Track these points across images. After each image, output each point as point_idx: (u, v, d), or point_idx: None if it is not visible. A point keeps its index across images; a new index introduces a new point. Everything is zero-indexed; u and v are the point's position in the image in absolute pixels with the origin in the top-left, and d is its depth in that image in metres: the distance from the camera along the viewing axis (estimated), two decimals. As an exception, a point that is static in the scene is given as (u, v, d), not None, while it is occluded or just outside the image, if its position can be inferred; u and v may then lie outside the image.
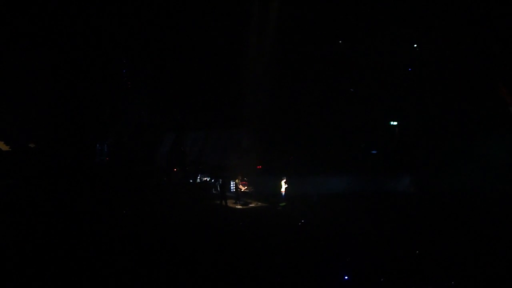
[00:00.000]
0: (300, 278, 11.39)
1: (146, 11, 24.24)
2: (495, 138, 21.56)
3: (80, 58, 24.34)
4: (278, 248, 13.76)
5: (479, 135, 22.17)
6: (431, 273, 11.56)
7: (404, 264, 12.16)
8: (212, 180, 23.46)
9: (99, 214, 17.49)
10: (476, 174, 21.00)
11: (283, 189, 21.49)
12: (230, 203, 21.20)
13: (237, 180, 22.17)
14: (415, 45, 24.41)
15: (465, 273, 11.49)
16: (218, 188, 21.97)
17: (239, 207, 21.18)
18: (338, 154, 23.88)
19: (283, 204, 20.99)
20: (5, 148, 23.24)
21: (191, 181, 24.13)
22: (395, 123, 25.12)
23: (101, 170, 24.89)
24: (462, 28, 22.03)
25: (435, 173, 22.86)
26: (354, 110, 24.53)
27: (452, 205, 19.45)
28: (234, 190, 22.32)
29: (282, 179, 21.52)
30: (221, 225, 17.26)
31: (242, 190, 22.04)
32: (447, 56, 22.93)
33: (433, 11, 22.63)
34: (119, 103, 26.04)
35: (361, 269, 11.90)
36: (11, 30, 23.10)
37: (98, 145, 26.23)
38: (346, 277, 11.39)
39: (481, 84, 22.47)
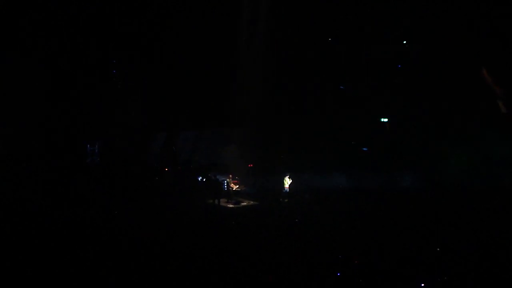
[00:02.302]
0: (292, 276, 11.43)
1: (136, 9, 24.20)
2: (487, 132, 21.74)
3: (70, 58, 24.19)
4: (271, 246, 13.84)
5: (470, 130, 22.37)
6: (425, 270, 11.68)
7: (397, 261, 12.29)
8: (204, 180, 23.43)
9: (92, 214, 17.49)
10: (468, 170, 21.24)
11: (287, 185, 21.75)
12: (222, 202, 21.22)
13: (228, 179, 22.19)
14: (404, 42, 24.58)
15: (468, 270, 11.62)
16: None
17: (231, 206, 21.20)
18: (329, 151, 23.96)
19: (286, 200, 21.39)
20: None
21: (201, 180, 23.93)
22: (386, 119, 25.20)
23: (93, 171, 24.84)
24: (450, 24, 22.21)
25: (428, 169, 23.05)
26: (344, 108, 24.60)
27: (447, 200, 19.67)
28: (226, 189, 22.34)
29: (286, 176, 21.82)
30: (214, 223, 17.31)
31: (234, 188, 22.05)
32: (437, 51, 23.07)
33: (421, 8, 22.83)
34: (109, 103, 25.88)
35: (354, 265, 12.00)
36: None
37: (89, 146, 26.11)
38: (338, 274, 11.46)
39: (471, 77, 22.64)
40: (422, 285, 10.82)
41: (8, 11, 22.87)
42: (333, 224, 16.51)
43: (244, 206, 21.25)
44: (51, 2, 23.25)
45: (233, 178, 22.28)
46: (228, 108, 24.98)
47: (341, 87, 25.58)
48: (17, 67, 23.06)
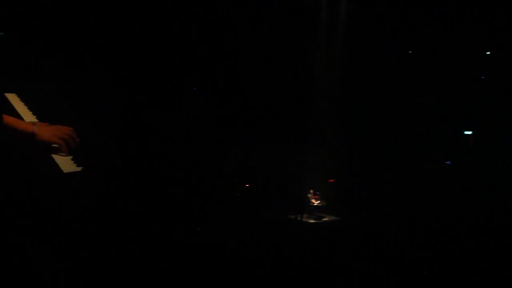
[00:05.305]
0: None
1: (208, 24, 24.88)
2: None
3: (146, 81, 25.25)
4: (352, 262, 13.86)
5: None
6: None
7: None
8: (287, 195, 23.73)
9: (170, 231, 18.10)
10: None
11: (365, 199, 21.98)
12: (303, 218, 21.42)
13: (309, 194, 22.37)
14: (488, 52, 23.76)
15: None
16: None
17: (312, 221, 21.31)
18: (412, 165, 23.61)
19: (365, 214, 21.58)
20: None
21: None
22: (470, 132, 24.46)
23: (174, 188, 25.74)
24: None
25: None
26: (427, 120, 24.17)
27: None
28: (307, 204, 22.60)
29: (364, 189, 22.09)
30: (297, 238, 17.51)
31: (315, 204, 22.16)
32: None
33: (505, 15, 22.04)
34: (188, 119, 26.78)
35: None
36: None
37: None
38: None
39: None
40: None
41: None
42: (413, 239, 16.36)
43: (325, 221, 21.35)
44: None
45: (314, 193, 22.47)
46: (306, 122, 25.14)
47: (421, 97, 25.12)
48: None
